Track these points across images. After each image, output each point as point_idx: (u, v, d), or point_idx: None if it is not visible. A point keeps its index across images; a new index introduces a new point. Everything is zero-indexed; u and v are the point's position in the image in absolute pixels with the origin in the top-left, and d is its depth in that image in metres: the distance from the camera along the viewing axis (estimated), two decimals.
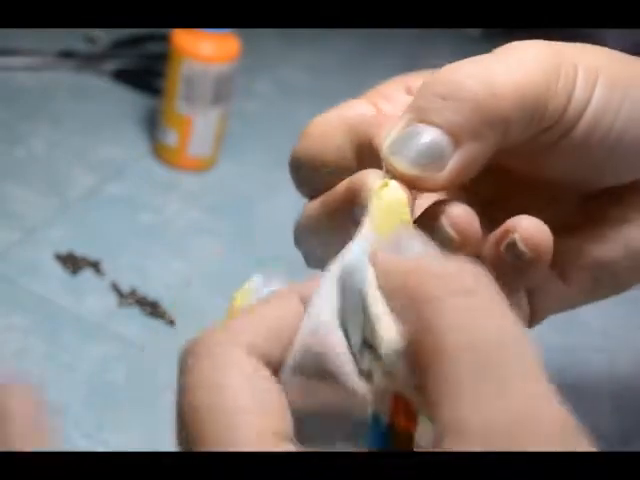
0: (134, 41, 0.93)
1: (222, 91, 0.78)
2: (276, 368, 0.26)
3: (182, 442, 0.26)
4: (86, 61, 0.90)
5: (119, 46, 0.93)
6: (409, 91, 0.35)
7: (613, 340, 0.75)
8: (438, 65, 0.33)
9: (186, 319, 0.65)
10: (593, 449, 0.22)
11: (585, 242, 0.35)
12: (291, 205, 0.83)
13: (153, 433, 0.56)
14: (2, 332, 0.60)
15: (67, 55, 0.90)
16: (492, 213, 0.33)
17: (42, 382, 0.57)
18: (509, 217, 0.31)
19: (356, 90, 0.40)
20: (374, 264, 0.26)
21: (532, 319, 0.35)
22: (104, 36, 0.94)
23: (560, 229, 0.33)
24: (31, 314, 0.62)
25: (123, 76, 0.90)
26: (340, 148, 0.32)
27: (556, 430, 0.22)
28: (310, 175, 0.34)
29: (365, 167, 0.31)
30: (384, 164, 0.30)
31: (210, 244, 0.73)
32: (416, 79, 0.35)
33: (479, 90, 0.29)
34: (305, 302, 0.27)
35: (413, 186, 0.29)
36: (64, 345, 0.60)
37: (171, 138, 0.79)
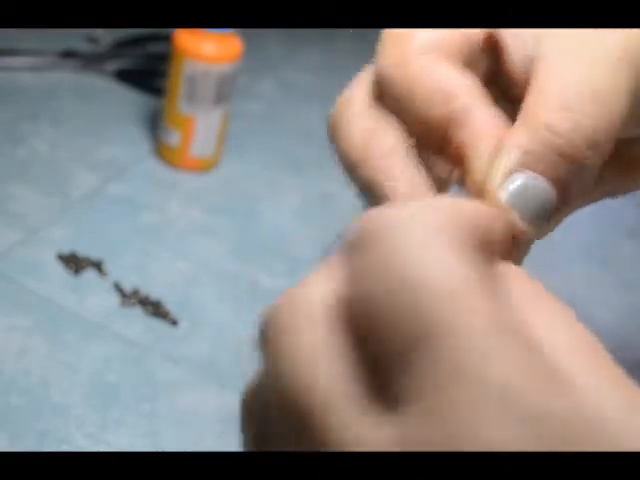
0: (136, 41, 0.93)
1: (224, 91, 0.78)
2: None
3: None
4: (88, 61, 0.90)
5: (121, 46, 0.93)
6: None
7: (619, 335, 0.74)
8: None
9: (189, 319, 0.65)
10: None
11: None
12: (293, 205, 0.83)
13: (155, 433, 0.56)
14: (4, 332, 0.60)
15: (69, 55, 0.90)
16: None
17: (44, 382, 0.57)
18: None
19: None
20: None
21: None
22: (106, 36, 0.94)
23: None
24: (33, 314, 0.62)
25: (125, 76, 0.90)
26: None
27: None
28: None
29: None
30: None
31: (212, 244, 0.73)
32: None
33: (596, 159, 0.30)
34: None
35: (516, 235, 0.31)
36: (66, 345, 0.60)
37: (173, 138, 0.79)
